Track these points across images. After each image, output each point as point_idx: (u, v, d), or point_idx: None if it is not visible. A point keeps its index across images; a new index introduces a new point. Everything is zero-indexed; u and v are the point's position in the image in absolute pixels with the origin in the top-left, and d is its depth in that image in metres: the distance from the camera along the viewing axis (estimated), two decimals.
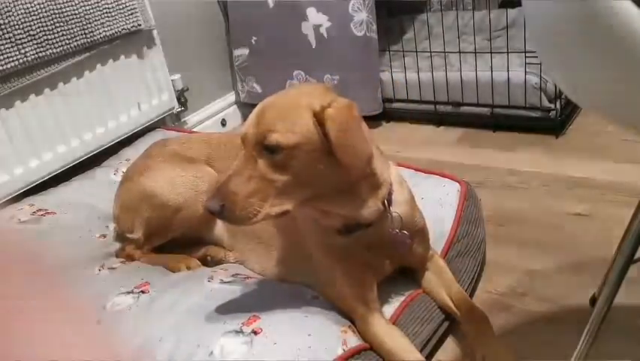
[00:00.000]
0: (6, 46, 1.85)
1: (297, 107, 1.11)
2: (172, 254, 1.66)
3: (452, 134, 2.53)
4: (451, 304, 1.37)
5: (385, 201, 1.23)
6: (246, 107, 3.02)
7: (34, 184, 2.03)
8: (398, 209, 1.27)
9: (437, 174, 1.78)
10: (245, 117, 3.03)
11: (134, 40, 2.30)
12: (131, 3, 2.21)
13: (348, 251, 1.27)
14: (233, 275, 1.49)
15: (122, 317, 1.36)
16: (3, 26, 1.84)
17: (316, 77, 2.66)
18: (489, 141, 2.42)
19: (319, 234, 1.29)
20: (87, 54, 2.12)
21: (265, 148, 1.08)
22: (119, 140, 2.32)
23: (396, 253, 1.35)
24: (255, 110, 1.14)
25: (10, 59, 1.86)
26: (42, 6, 1.93)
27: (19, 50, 1.88)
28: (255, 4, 2.71)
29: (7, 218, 1.82)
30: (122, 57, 2.28)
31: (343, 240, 1.26)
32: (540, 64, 2.17)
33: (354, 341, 1.25)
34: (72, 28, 2.02)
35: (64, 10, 1.99)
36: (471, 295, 1.51)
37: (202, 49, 2.83)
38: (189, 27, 2.73)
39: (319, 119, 1.08)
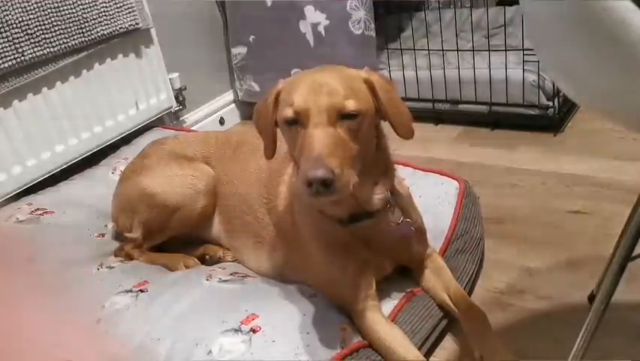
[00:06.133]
0: (3, 45, 1.85)
1: (353, 78, 1.15)
2: (170, 253, 1.66)
3: (450, 132, 2.53)
4: (449, 302, 1.37)
5: (389, 192, 1.26)
6: (244, 105, 3.02)
7: (33, 183, 2.03)
8: (398, 202, 1.30)
9: (436, 172, 1.78)
10: (243, 116, 3.04)
11: (132, 39, 2.29)
12: (128, 2, 2.20)
13: (348, 248, 1.28)
14: (231, 274, 1.49)
15: (121, 316, 1.36)
16: (0, 25, 1.84)
17: None
18: (487, 138, 2.42)
19: (320, 227, 1.29)
20: (85, 53, 2.12)
21: (343, 116, 1.08)
22: (117, 139, 2.32)
23: (396, 252, 1.35)
24: (310, 84, 1.10)
25: (8, 58, 1.86)
26: (39, 5, 1.92)
27: (16, 49, 1.88)
28: (252, 2, 2.71)
29: (5, 217, 1.82)
30: (120, 56, 2.28)
31: (345, 232, 1.26)
32: (538, 62, 2.17)
33: (352, 338, 1.25)
34: (70, 27, 2.02)
35: (61, 8, 1.99)
36: (469, 293, 1.51)
37: (200, 47, 2.83)
38: (187, 26, 2.73)
39: (369, 86, 1.15)
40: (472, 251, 1.57)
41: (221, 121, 2.96)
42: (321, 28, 2.59)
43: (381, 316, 1.28)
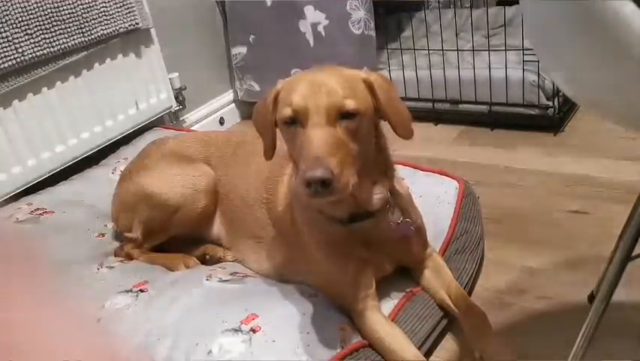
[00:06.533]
0: (3, 45, 1.85)
1: (352, 78, 1.15)
2: (170, 253, 1.66)
3: (450, 132, 2.53)
4: (449, 301, 1.37)
5: (389, 192, 1.26)
6: (243, 105, 3.02)
7: (33, 183, 2.03)
8: (398, 202, 1.30)
9: (435, 172, 1.78)
10: (243, 115, 3.04)
11: (132, 39, 2.30)
12: (128, 2, 2.20)
13: (347, 248, 1.28)
14: (231, 274, 1.49)
15: (121, 316, 1.36)
16: (0, 25, 1.84)
17: None
18: (487, 138, 2.42)
19: (320, 227, 1.29)
20: (85, 53, 2.12)
21: (342, 116, 1.08)
22: (117, 139, 2.32)
23: (395, 251, 1.35)
24: (309, 85, 1.10)
25: (8, 58, 1.86)
26: (39, 5, 1.93)
27: (16, 48, 1.88)
28: (252, 2, 2.71)
29: (5, 217, 1.82)
30: (120, 56, 2.28)
31: (344, 232, 1.26)
32: (538, 62, 2.17)
33: (352, 338, 1.25)
34: (70, 27, 2.02)
35: (61, 8, 1.99)
36: (469, 292, 1.51)
37: (200, 47, 2.83)
38: (187, 26, 2.73)
39: (368, 86, 1.15)
40: (471, 251, 1.57)
41: (221, 121, 2.96)
42: (320, 28, 2.59)
43: (381, 316, 1.28)
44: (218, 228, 1.66)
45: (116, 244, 1.71)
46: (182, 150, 1.71)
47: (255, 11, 2.72)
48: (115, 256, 1.67)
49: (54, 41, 1.98)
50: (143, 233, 1.62)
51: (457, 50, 2.53)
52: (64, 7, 2.00)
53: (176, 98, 2.59)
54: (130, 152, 2.18)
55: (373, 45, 2.60)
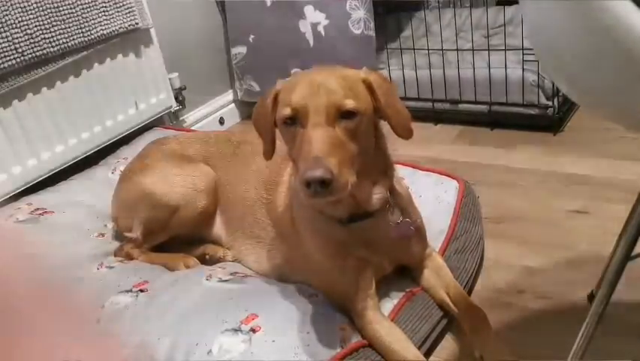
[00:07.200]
0: (3, 45, 1.85)
1: (351, 78, 1.15)
2: (170, 253, 1.66)
3: (450, 131, 2.53)
4: (449, 301, 1.37)
5: (388, 192, 1.26)
6: (243, 105, 3.02)
7: (33, 183, 2.03)
8: (397, 202, 1.30)
9: (435, 172, 1.78)
10: (243, 115, 3.04)
11: (131, 39, 2.29)
12: (128, 2, 2.20)
13: (347, 248, 1.28)
14: (231, 274, 1.49)
15: (121, 316, 1.36)
16: (0, 25, 1.84)
17: None
18: (487, 138, 2.42)
19: (319, 227, 1.29)
20: (84, 53, 2.12)
21: (341, 115, 1.08)
22: (116, 139, 2.32)
23: (395, 251, 1.35)
24: (309, 84, 1.10)
25: (7, 58, 1.86)
26: (39, 5, 1.93)
27: (16, 49, 1.88)
28: (252, 2, 2.71)
29: (5, 217, 1.82)
30: (120, 56, 2.28)
31: (344, 232, 1.26)
32: (538, 61, 2.17)
33: (352, 338, 1.25)
34: (69, 27, 2.02)
35: (61, 8, 1.99)
36: (469, 292, 1.51)
37: (200, 47, 2.83)
38: (187, 25, 2.73)
39: (367, 86, 1.15)
40: (471, 251, 1.56)
41: (221, 121, 2.96)
42: (320, 28, 2.59)
43: (380, 315, 1.28)
44: (218, 228, 1.67)
45: (116, 244, 1.71)
46: (182, 150, 1.71)
47: (254, 11, 2.72)
48: (115, 256, 1.67)
49: (54, 41, 1.98)
50: (143, 233, 1.62)
51: (457, 50, 2.53)
52: (64, 7, 2.00)
53: (176, 98, 2.59)
54: (130, 152, 2.18)
55: (373, 45, 2.60)
